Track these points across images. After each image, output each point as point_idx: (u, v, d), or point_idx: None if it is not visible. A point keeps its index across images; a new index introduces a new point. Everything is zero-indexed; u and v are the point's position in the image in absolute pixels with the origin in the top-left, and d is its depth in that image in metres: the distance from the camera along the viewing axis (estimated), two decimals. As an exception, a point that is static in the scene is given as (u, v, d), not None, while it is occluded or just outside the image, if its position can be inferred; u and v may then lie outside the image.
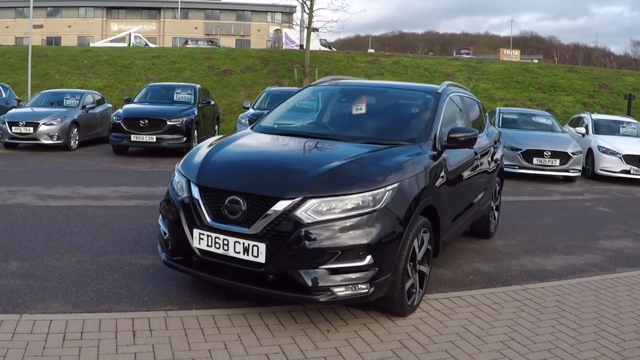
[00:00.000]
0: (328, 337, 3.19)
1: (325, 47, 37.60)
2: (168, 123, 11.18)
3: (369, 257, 3.08)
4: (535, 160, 10.52)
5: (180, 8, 52.18)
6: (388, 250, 3.17)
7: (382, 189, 3.20)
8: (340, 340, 3.15)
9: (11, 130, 11.34)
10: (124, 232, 5.21)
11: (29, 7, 50.75)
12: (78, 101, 13.15)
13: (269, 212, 3.08)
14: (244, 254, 3.12)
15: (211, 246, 3.22)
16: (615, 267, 5.07)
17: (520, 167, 10.57)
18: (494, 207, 5.91)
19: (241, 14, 58.21)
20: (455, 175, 4.23)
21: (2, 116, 11.80)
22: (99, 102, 14.02)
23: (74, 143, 12.08)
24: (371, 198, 3.15)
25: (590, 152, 11.63)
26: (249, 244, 3.09)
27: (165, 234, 3.56)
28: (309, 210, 3.06)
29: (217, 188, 3.28)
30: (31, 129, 11.38)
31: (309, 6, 23.17)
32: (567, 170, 10.60)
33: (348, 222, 3.08)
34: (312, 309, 3.54)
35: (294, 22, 43.56)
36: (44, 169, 9.19)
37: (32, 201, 6.40)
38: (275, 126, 4.45)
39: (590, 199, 9.14)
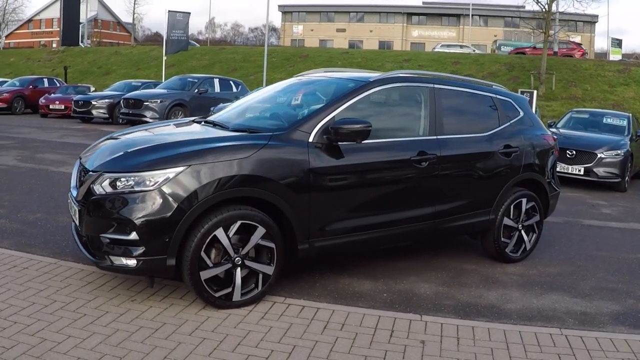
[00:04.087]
0: (123, 305, 3.40)
1: None
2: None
3: (134, 234, 3.19)
4: None
5: (480, 15, 51.81)
6: (157, 232, 3.19)
7: (161, 171, 3.22)
8: (117, 307, 3.33)
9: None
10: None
11: (333, 12, 57.68)
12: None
13: (84, 181, 3.49)
14: (74, 216, 3.60)
15: (70, 209, 3.80)
16: (608, 325, 3.57)
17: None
18: (519, 227, 4.74)
19: (540, 22, 54.04)
20: (347, 175, 3.74)
21: (212, 107, 14.40)
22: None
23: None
24: (151, 179, 3.22)
25: None
26: (75, 208, 3.56)
27: None
28: (103, 184, 3.31)
29: (80, 162, 3.82)
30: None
31: (546, 9, 21.43)
32: None
33: (125, 199, 3.23)
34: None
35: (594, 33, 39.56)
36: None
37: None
38: (215, 115, 4.65)
39: None
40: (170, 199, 3.21)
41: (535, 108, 12.62)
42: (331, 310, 3.53)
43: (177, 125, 4.44)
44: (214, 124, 4.17)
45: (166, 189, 3.21)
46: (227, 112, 4.63)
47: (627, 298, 4.10)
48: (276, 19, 62.24)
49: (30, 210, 5.65)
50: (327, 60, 27.65)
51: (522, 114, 4.89)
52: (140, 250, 3.21)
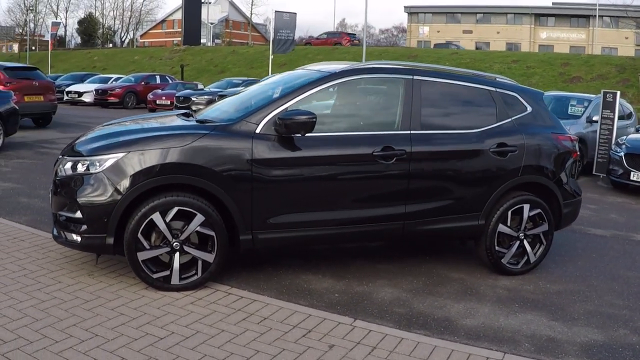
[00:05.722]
0: (77, 278, 3.68)
1: None
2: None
3: (78, 212, 3.46)
4: None
5: (611, 16, 47.55)
6: (96, 212, 3.42)
7: (104, 156, 3.46)
8: (72, 278, 3.61)
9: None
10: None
11: (459, 12, 55.34)
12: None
13: (55, 164, 3.84)
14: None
15: None
16: (570, 356, 3.03)
17: None
18: (520, 236, 4.23)
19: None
20: (295, 168, 3.66)
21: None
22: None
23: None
24: (97, 163, 3.47)
25: None
26: (50, 188, 3.91)
27: None
28: (65, 166, 3.62)
29: None
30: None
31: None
32: None
33: (77, 181, 3.50)
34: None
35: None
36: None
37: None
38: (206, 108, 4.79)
39: None
40: (109, 182, 3.42)
41: (630, 112, 11.07)
42: (265, 304, 3.48)
43: (157, 118, 4.63)
44: (188, 116, 4.31)
45: (107, 173, 3.43)
46: (219, 104, 4.74)
47: (620, 327, 3.48)
48: (405, 21, 60.87)
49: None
50: (435, 60, 26.94)
51: (529, 109, 4.35)
52: (84, 227, 3.47)
